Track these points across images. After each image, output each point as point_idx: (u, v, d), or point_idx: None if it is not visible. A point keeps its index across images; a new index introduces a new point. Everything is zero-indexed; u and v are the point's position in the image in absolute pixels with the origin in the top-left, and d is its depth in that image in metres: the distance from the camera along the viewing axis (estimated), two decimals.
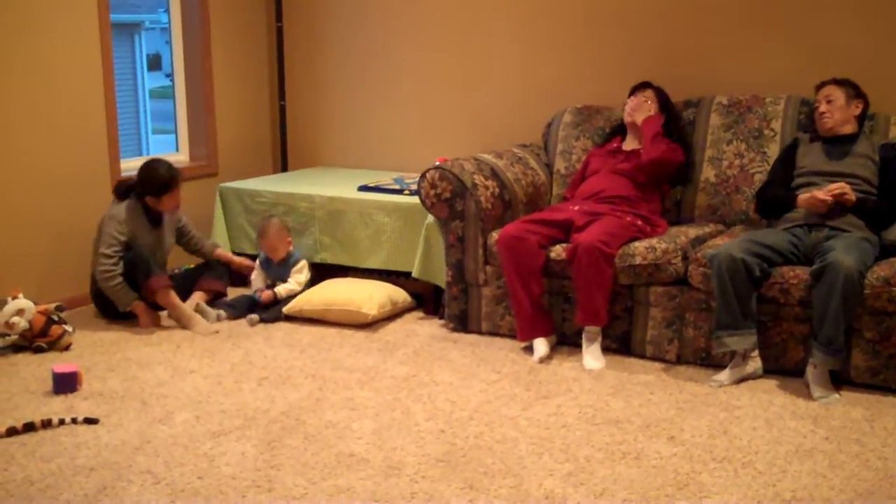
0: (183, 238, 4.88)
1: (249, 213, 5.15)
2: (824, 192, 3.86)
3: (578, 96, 5.03)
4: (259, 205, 5.11)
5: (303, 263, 4.84)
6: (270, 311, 4.63)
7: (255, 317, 4.56)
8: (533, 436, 3.28)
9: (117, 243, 4.46)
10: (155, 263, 4.51)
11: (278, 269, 4.83)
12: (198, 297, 4.68)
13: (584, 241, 3.95)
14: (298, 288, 4.76)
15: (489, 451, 3.16)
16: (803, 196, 3.95)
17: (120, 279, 4.43)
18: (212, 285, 4.79)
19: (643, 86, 4.56)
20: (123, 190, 4.61)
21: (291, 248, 4.87)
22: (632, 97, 4.55)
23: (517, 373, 3.90)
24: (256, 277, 4.87)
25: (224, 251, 4.99)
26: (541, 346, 4.05)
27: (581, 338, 4.06)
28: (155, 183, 4.54)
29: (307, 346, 4.25)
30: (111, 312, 4.60)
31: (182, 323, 4.48)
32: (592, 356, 3.99)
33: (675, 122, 4.56)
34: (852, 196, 3.85)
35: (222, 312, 4.64)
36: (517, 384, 3.77)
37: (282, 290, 4.74)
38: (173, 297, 4.50)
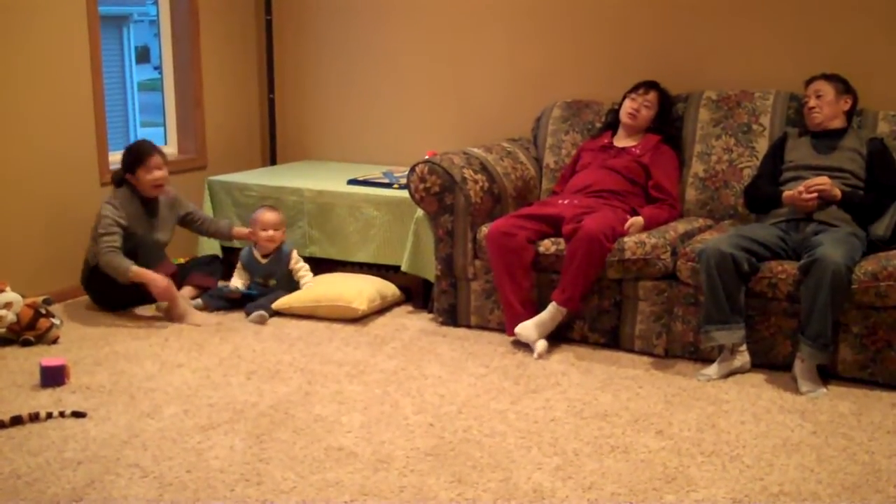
0: (194, 224, 4.86)
1: (238, 207, 5.13)
2: (803, 189, 3.87)
3: (568, 90, 5.03)
4: (248, 198, 5.10)
5: (296, 255, 4.78)
6: (257, 303, 4.60)
7: (264, 314, 4.48)
8: (521, 429, 3.28)
9: (114, 223, 4.43)
10: (156, 254, 4.49)
11: (268, 266, 4.75)
12: (186, 291, 4.66)
13: (590, 228, 3.94)
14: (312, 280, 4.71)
15: (478, 444, 3.16)
16: (787, 194, 3.97)
17: (116, 252, 4.39)
18: (202, 280, 4.77)
19: (649, 86, 4.53)
20: (119, 179, 4.61)
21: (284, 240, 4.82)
22: (633, 95, 4.52)
23: (506, 367, 3.90)
24: (237, 277, 4.78)
25: (242, 229, 4.85)
26: (538, 343, 4.03)
27: (566, 329, 4.06)
28: (129, 158, 4.55)
29: (296, 339, 4.25)
30: (105, 302, 4.60)
31: (176, 318, 4.46)
32: (537, 324, 4.00)
33: (670, 127, 4.56)
34: (836, 192, 3.87)
35: (199, 302, 4.62)
36: (506, 378, 3.78)
37: (302, 281, 4.68)
38: (174, 289, 4.48)
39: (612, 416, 3.40)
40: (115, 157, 5.19)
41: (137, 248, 4.45)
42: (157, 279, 4.40)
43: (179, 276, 4.72)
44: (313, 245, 4.99)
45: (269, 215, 4.75)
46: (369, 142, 5.72)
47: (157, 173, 4.56)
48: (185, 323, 4.42)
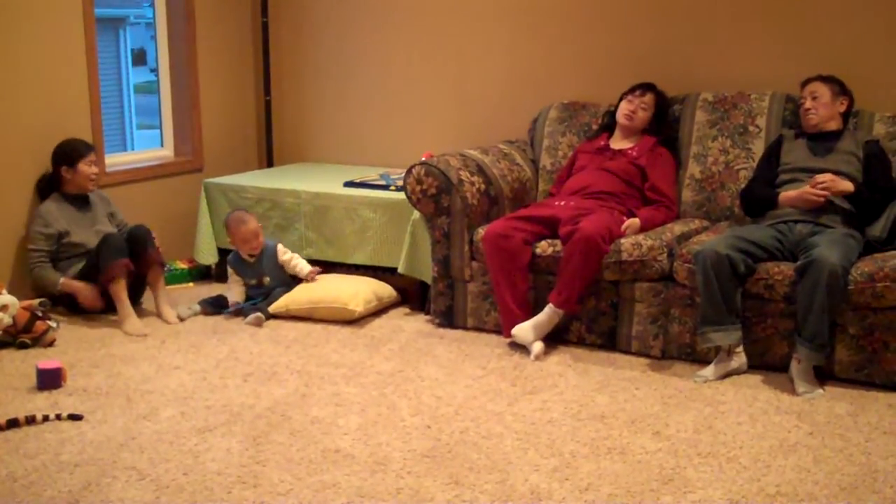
0: (115, 227, 4.82)
1: (234, 209, 5.12)
2: (811, 186, 3.88)
3: (564, 92, 5.04)
4: (244, 200, 5.10)
5: (282, 247, 4.73)
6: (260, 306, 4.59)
7: (260, 315, 4.48)
8: (518, 431, 3.28)
9: (41, 237, 4.49)
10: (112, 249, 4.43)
11: (257, 266, 4.71)
12: (163, 292, 4.58)
13: (587, 230, 3.94)
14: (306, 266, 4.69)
15: (475, 446, 3.16)
16: (788, 194, 3.98)
17: (43, 266, 4.46)
18: (156, 258, 4.57)
19: (645, 88, 4.54)
20: (44, 186, 4.64)
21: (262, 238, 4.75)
22: (629, 97, 4.53)
23: (503, 368, 3.90)
24: (234, 286, 4.75)
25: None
26: (535, 345, 4.03)
27: (563, 331, 4.06)
28: (71, 152, 4.57)
29: (293, 341, 4.25)
30: (78, 306, 4.56)
31: (119, 320, 4.42)
32: (534, 326, 4.00)
33: (666, 129, 4.56)
34: (845, 186, 3.86)
35: (197, 307, 4.61)
36: (503, 380, 3.78)
37: (305, 270, 4.65)
38: (121, 289, 4.40)
39: (608, 418, 3.40)
40: (112, 160, 5.21)
41: (102, 247, 4.41)
42: (82, 290, 4.46)
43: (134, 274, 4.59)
44: (310, 247, 4.99)
45: (244, 228, 4.66)
46: (366, 144, 5.72)
47: (95, 168, 4.64)
48: (122, 329, 4.36)
